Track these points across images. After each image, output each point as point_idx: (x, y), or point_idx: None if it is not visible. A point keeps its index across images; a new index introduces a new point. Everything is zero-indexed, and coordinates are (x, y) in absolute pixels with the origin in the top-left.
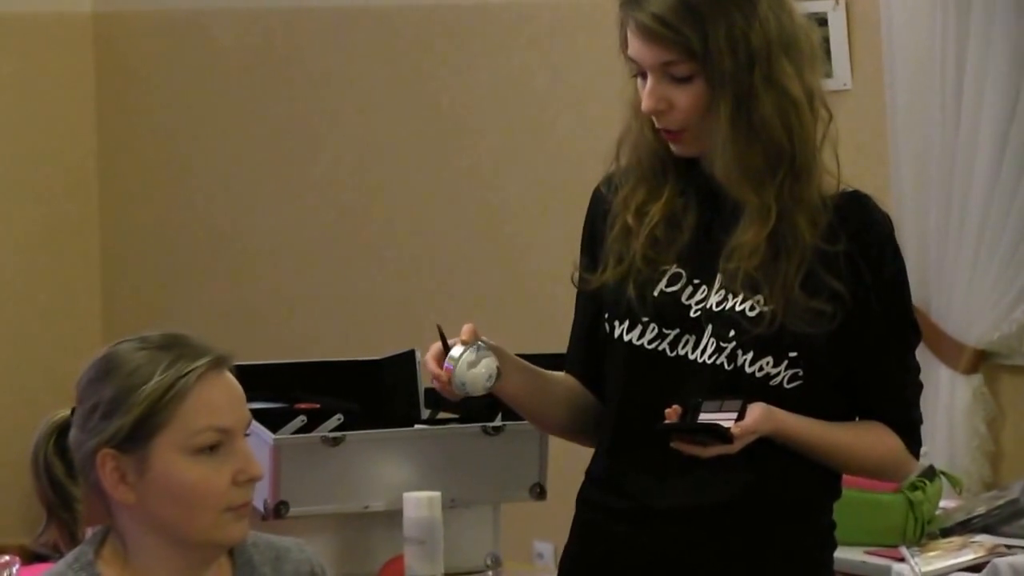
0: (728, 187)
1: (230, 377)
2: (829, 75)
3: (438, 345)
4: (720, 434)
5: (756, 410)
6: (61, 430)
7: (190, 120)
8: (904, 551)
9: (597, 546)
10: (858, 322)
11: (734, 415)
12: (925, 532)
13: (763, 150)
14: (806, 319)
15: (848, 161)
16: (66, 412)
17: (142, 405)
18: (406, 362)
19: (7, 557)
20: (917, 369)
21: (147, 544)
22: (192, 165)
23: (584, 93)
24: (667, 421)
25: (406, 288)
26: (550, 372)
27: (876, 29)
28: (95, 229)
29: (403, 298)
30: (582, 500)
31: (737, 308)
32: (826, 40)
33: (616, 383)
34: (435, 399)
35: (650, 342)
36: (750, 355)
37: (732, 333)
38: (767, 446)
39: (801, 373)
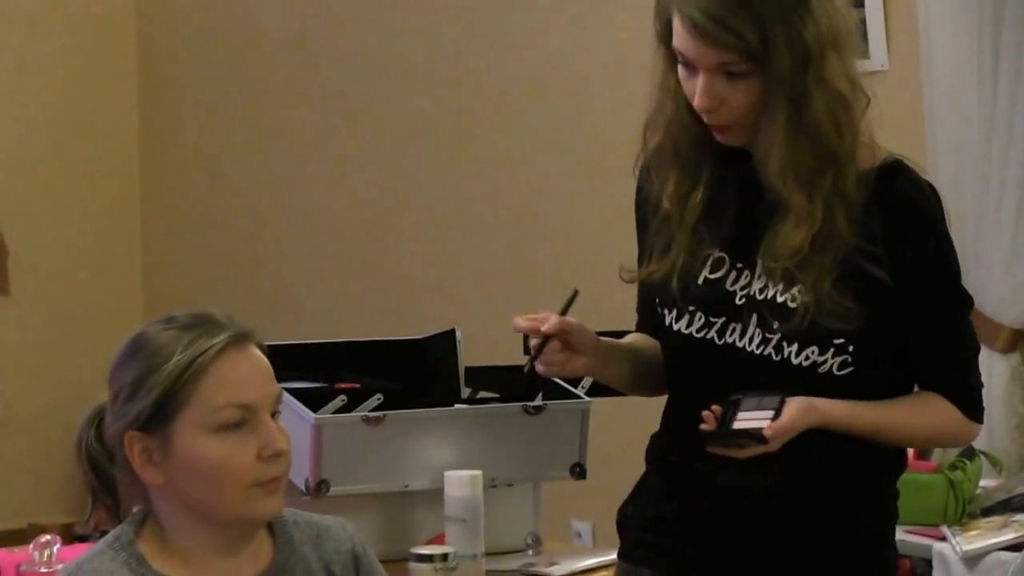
0: (777, 189)
1: (255, 353)
2: (865, 56)
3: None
4: (756, 436)
5: (793, 406)
6: (103, 416)
7: (231, 100)
8: (945, 530)
9: (656, 507)
10: (903, 300)
11: (771, 412)
12: (966, 511)
13: (814, 151)
14: (838, 314)
15: (884, 142)
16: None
17: (161, 385)
18: (447, 341)
19: (48, 537)
20: (969, 335)
21: (181, 523)
22: (233, 145)
23: (623, 73)
24: (703, 426)
25: (446, 267)
26: (642, 344)
27: (913, 9)
28: (136, 209)
29: (443, 277)
30: (648, 460)
31: (779, 299)
32: (863, 21)
33: (670, 371)
34: (475, 378)
35: (698, 331)
36: (795, 346)
37: (776, 324)
38: (818, 433)
39: (850, 359)
